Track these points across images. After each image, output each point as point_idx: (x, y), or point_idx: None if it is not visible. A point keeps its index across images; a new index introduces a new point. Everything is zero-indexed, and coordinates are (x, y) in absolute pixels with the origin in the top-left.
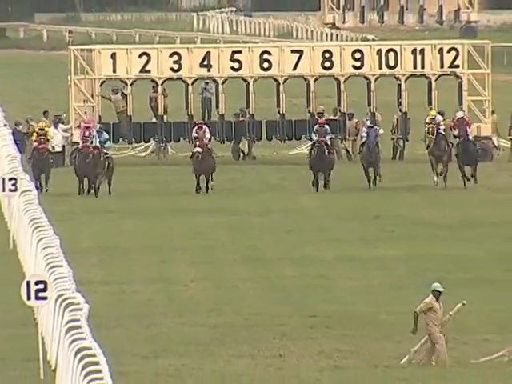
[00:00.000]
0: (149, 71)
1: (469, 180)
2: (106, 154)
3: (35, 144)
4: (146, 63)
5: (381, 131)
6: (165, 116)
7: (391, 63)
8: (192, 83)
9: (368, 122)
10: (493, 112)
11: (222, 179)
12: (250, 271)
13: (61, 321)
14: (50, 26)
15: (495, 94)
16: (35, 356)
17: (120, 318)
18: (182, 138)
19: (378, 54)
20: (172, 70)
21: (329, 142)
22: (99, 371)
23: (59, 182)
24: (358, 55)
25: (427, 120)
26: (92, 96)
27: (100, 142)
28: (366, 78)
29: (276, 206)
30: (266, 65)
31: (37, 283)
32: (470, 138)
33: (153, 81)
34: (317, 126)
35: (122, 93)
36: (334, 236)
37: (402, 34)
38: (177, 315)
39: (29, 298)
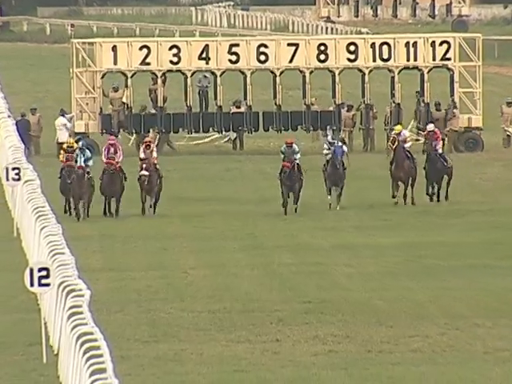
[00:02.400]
0: (149, 64)
1: (431, 197)
2: (88, 172)
3: (64, 164)
4: (146, 56)
5: (344, 148)
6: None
7: (385, 56)
8: (191, 75)
9: (329, 138)
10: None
11: (220, 169)
12: (248, 259)
13: (63, 306)
14: (52, 20)
15: (486, 86)
16: (38, 340)
17: (121, 303)
18: (180, 129)
19: (371, 47)
20: (171, 62)
21: (298, 163)
22: (100, 355)
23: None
24: (352, 48)
25: (392, 135)
26: (93, 88)
27: (85, 160)
28: (360, 70)
29: (272, 194)
30: (262, 57)
31: (40, 270)
32: (439, 152)
33: (153, 73)
34: (284, 146)
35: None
36: (330, 224)
37: (395, 27)
38: (177, 301)
39: (32, 284)
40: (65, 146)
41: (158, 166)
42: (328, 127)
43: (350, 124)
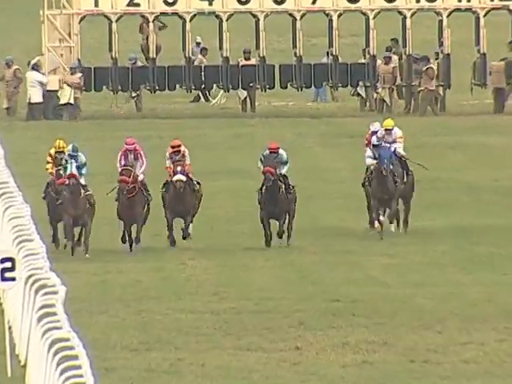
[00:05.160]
0: (138, 4)
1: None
2: (85, 186)
3: (53, 177)
4: None
5: (399, 147)
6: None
7: None
8: (190, 19)
9: (374, 139)
10: None
11: (227, 135)
12: (260, 246)
13: (32, 306)
14: None
15: None
16: (1, 349)
17: (104, 302)
18: (177, 85)
19: None
20: (166, 3)
21: (285, 175)
22: (79, 367)
23: (34, 138)
24: None
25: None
26: (69, 35)
27: (78, 167)
28: (400, 12)
29: (291, 166)
30: None
31: (3, 261)
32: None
33: (143, 16)
34: (266, 151)
35: (82, 72)
36: (362, 204)
37: None
38: (173, 300)
39: None
40: (52, 151)
41: (191, 176)
42: (360, 83)
43: (389, 80)
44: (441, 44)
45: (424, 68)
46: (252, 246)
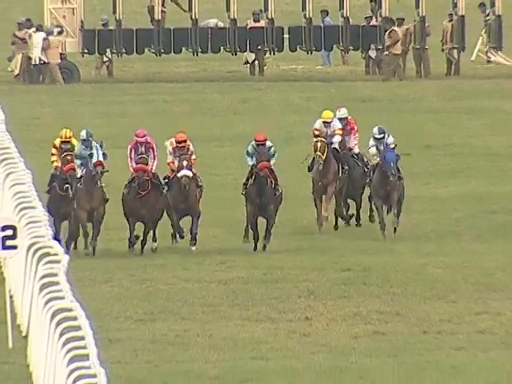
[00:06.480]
0: None
1: (348, 220)
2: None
3: (58, 167)
4: None
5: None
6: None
7: None
8: None
9: (375, 130)
10: None
11: (234, 99)
12: None
13: (34, 275)
14: None
15: None
16: (2, 319)
17: (108, 271)
18: (184, 48)
19: None
20: None
21: (272, 169)
22: (82, 338)
23: (36, 103)
24: None
25: (316, 127)
26: None
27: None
28: None
29: (302, 132)
30: None
31: (4, 229)
32: (355, 152)
33: None
34: (253, 143)
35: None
36: None
37: None
38: (179, 268)
39: None
40: (57, 141)
41: (194, 171)
42: (372, 46)
43: (402, 42)
44: (455, 5)
45: (388, 31)
46: None
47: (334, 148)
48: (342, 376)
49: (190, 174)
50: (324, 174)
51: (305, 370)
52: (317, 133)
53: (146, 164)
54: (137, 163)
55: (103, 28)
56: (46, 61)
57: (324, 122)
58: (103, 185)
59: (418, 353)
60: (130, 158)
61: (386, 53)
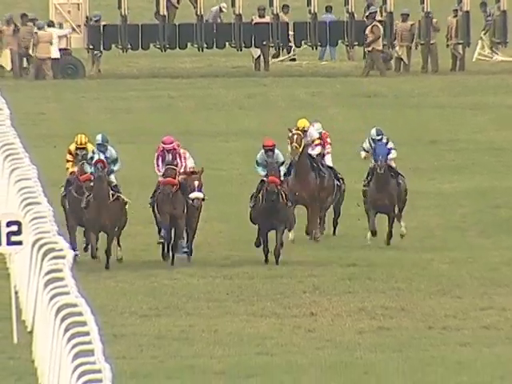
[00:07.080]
0: None
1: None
2: (116, 186)
3: (73, 173)
4: None
5: (392, 154)
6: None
7: None
8: None
9: (373, 132)
10: None
11: (239, 95)
12: None
13: (39, 271)
14: None
15: None
16: (7, 315)
17: (113, 267)
18: (189, 44)
19: None
20: None
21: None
22: (87, 333)
23: (42, 98)
24: None
25: (293, 132)
26: None
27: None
28: None
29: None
30: None
31: (9, 224)
32: (326, 165)
33: None
34: (262, 151)
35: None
36: None
37: None
38: (184, 264)
39: None
40: (72, 146)
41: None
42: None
43: (407, 37)
44: (459, 1)
45: (369, 26)
46: None
47: (312, 157)
48: (347, 371)
49: (201, 195)
50: (299, 184)
51: (310, 365)
52: (292, 136)
53: (175, 175)
54: (164, 175)
55: (107, 24)
56: (33, 55)
57: (301, 130)
58: (119, 194)
59: (423, 348)
60: (157, 165)
61: (369, 49)
